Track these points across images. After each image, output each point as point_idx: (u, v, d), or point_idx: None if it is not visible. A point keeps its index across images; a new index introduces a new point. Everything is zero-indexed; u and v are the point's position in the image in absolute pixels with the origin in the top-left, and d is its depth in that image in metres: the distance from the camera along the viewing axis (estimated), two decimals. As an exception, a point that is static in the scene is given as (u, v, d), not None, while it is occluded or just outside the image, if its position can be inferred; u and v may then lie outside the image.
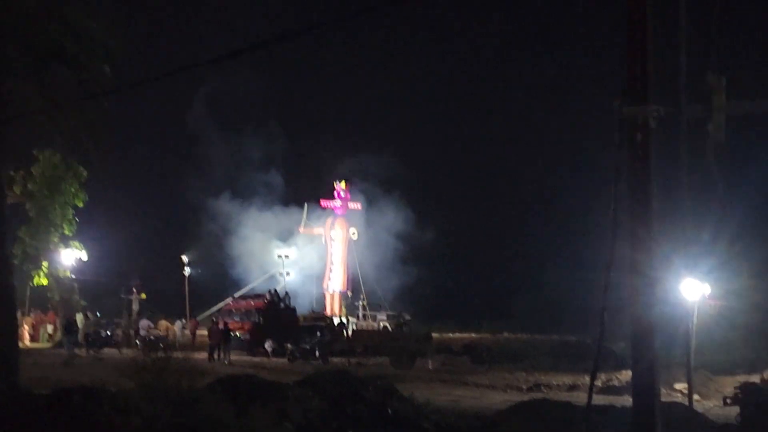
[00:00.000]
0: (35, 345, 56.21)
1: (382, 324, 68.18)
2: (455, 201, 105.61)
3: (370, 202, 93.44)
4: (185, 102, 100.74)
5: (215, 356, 50.87)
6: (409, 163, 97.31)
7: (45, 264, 61.70)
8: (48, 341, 58.83)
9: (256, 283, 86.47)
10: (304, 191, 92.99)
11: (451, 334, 72.98)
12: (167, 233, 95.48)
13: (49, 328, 63.82)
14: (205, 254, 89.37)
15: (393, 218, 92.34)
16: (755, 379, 25.77)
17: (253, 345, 57.77)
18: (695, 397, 22.20)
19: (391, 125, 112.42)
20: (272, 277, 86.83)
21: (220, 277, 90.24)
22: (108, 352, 54.29)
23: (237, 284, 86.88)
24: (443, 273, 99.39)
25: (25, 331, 55.51)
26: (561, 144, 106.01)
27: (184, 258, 79.12)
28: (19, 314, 35.72)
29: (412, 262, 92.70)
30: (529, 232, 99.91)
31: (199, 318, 69.72)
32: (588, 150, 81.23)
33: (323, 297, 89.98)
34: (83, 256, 63.46)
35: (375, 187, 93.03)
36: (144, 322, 59.74)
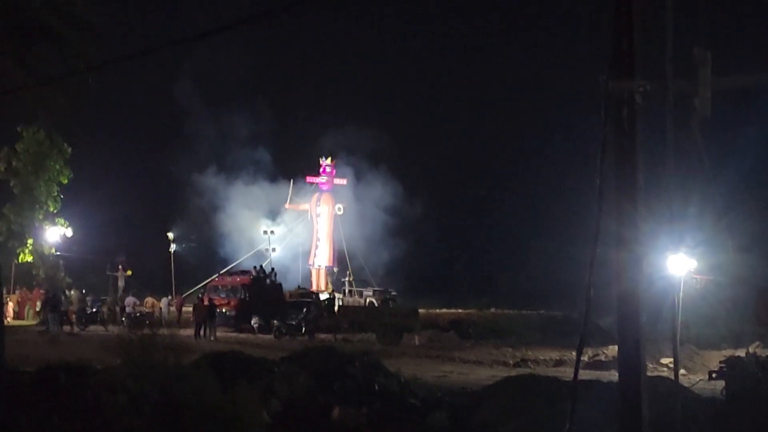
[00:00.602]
0: (20, 323, 55.68)
1: (368, 300, 67.31)
2: (443, 175, 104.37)
3: (357, 177, 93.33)
4: (171, 78, 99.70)
5: (201, 333, 50.74)
6: (396, 137, 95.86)
7: (30, 241, 62.08)
8: (33, 319, 58.35)
9: (242, 259, 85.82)
10: (292, 167, 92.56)
11: (437, 310, 72.44)
12: (153, 210, 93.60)
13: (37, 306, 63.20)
14: (192, 231, 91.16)
15: (380, 192, 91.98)
16: (741, 353, 25.76)
17: (238, 321, 57.50)
18: (681, 371, 22.23)
19: (380, 99, 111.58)
20: (258, 254, 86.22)
21: (207, 254, 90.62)
22: (93, 329, 54.12)
23: (223, 261, 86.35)
24: (430, 249, 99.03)
25: (10, 308, 54.74)
26: (548, 117, 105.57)
27: (170, 234, 79.68)
28: (4, 291, 35.60)
29: (400, 238, 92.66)
30: (515, 207, 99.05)
31: (185, 295, 68.73)
32: (575, 124, 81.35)
33: (309, 273, 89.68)
34: (68, 232, 63.65)
35: (362, 161, 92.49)
36: (130, 299, 59.19)
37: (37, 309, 56.89)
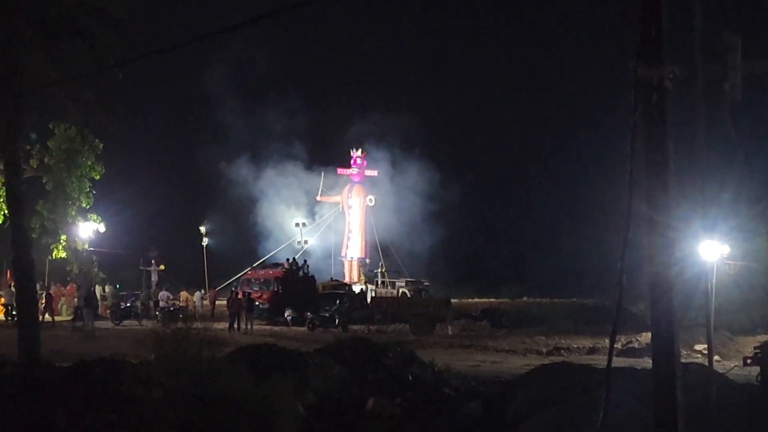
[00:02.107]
0: (56, 318, 55.75)
1: (401, 290, 65.25)
2: (475, 164, 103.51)
3: (390, 166, 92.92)
4: (202, 70, 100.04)
5: (235, 326, 50.71)
6: (429, 124, 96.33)
7: (63, 237, 62.05)
8: (68, 314, 58.31)
9: (274, 252, 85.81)
10: (323, 158, 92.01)
11: (470, 300, 72.23)
12: (185, 203, 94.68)
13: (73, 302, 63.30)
14: (224, 224, 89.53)
15: (414, 180, 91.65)
16: (775, 338, 25.54)
17: (272, 314, 57.43)
18: (715, 357, 22.13)
19: (411, 86, 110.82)
20: (291, 246, 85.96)
21: (239, 247, 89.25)
22: (128, 323, 54.67)
23: (256, 254, 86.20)
24: (462, 238, 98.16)
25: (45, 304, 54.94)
26: (580, 102, 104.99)
27: (203, 228, 79.44)
28: (38, 288, 35.72)
29: (430, 228, 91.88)
30: (546, 194, 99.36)
31: (218, 288, 69.35)
32: (606, 109, 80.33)
33: (342, 265, 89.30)
34: (101, 228, 63.57)
35: (395, 150, 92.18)
36: (163, 294, 59.40)
37: (75, 304, 56.97)
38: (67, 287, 63.20)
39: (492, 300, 74.22)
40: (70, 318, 54.29)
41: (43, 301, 50.85)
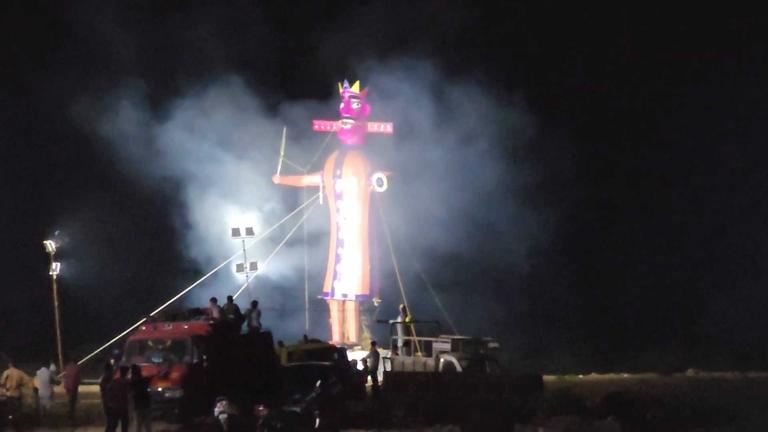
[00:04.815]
0: None
1: (443, 360, 46.49)
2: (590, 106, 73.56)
3: (421, 113, 60.14)
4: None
5: (118, 436, 41.01)
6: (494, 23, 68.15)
7: None
8: None
9: (191, 286, 59.59)
10: (287, 96, 62.20)
11: (580, 376, 56.53)
12: (14, 190, 67.71)
13: None
14: (93, 232, 63.72)
15: (467, 138, 60.76)
16: None
17: (189, 410, 40.43)
18: None
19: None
20: (223, 276, 60.14)
21: (124, 278, 66.38)
22: None
23: (158, 290, 60.62)
24: (560, 259, 68.27)
25: None
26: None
27: (49, 244, 55.94)
28: None
29: (500, 238, 62.77)
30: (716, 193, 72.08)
31: (81, 361, 50.18)
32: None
33: (326, 310, 61.21)
34: None
35: (427, 78, 59.68)
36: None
37: None
38: None
39: (625, 376, 57.08)
40: None
41: None
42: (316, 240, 62.76)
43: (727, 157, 74.87)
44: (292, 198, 63.60)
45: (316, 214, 62.28)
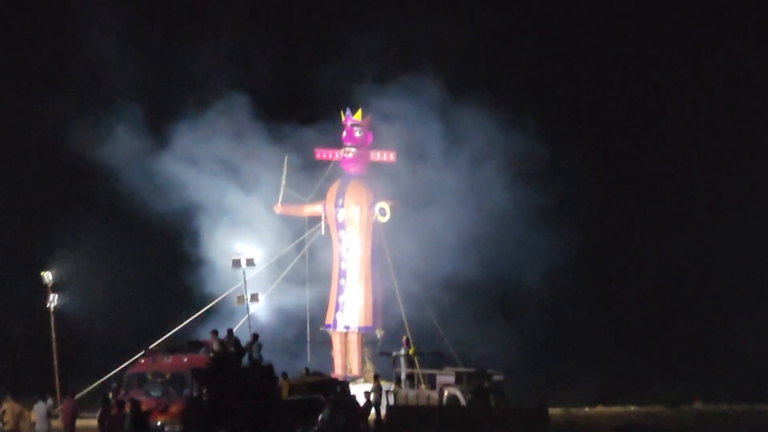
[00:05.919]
0: None
1: (447, 393, 46.51)
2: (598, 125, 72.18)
3: (423, 141, 59.47)
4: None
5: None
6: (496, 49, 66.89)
7: None
8: None
9: (191, 318, 57.57)
10: (290, 125, 61.12)
11: (586, 409, 55.75)
12: (10, 222, 66.88)
13: None
14: (91, 265, 62.29)
15: (472, 165, 60.09)
16: None
17: None
18: None
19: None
20: (223, 309, 57.93)
21: (120, 311, 63.96)
22: None
23: (156, 323, 57.88)
24: (566, 290, 66.80)
25: None
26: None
27: (47, 275, 54.39)
28: None
29: (507, 267, 61.37)
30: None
31: (79, 395, 48.27)
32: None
33: (328, 342, 59.56)
34: None
35: (430, 103, 59.20)
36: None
37: None
38: None
39: (632, 408, 56.59)
40: None
41: None
42: (318, 271, 61.04)
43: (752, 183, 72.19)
44: (293, 229, 61.69)
45: (319, 245, 60.75)
